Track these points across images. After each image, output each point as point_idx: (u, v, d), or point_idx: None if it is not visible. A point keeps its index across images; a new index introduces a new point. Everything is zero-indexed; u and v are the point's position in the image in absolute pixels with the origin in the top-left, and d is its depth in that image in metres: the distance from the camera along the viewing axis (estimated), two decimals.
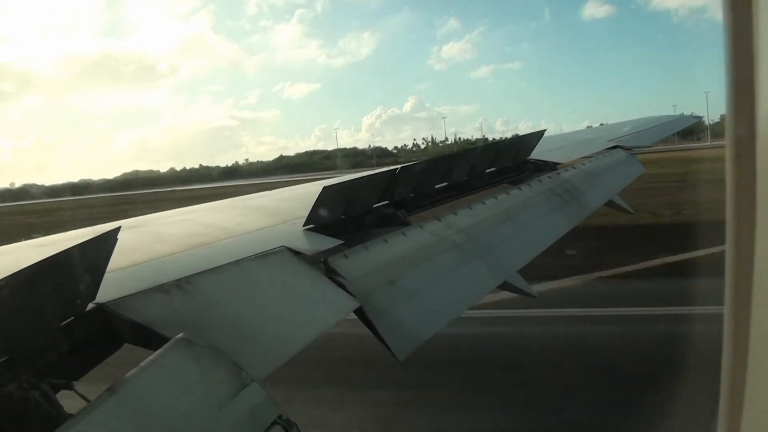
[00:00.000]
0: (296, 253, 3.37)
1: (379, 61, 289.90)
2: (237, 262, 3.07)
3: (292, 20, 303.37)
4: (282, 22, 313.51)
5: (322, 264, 3.32)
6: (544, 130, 7.37)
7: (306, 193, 4.76)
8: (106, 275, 2.40)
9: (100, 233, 2.35)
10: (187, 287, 2.70)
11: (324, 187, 3.74)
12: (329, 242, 3.68)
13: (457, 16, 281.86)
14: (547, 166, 7.11)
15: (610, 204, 7.50)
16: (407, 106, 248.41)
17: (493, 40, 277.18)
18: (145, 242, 3.35)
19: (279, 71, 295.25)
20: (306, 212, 3.78)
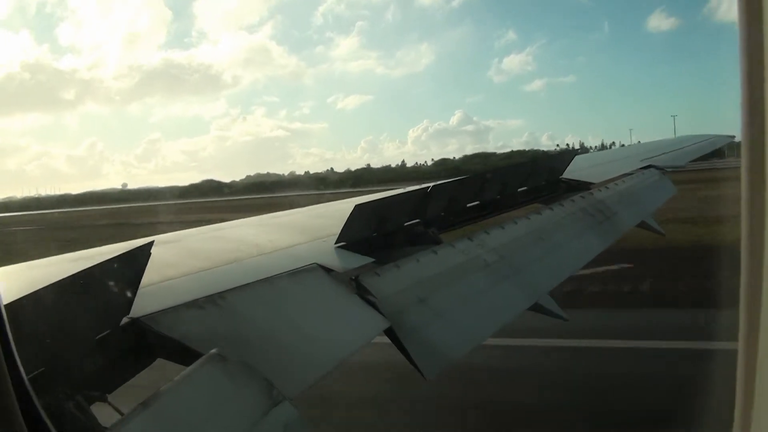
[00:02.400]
0: (328, 271, 3.38)
1: (436, 73, 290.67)
2: (269, 279, 3.09)
3: (353, 32, 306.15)
4: (344, 33, 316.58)
5: (353, 282, 3.32)
6: (577, 150, 7.36)
7: (338, 210, 4.78)
8: (139, 290, 2.43)
9: (133, 248, 2.38)
10: (220, 303, 2.72)
11: (356, 205, 3.75)
12: (361, 260, 3.68)
13: (518, 29, 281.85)
14: (579, 186, 7.06)
15: (642, 225, 7.42)
16: (454, 120, 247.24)
17: (549, 52, 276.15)
18: (178, 257, 3.38)
19: (336, 82, 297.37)
20: (338, 229, 3.80)
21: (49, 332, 2.07)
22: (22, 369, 1.18)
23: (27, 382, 1.19)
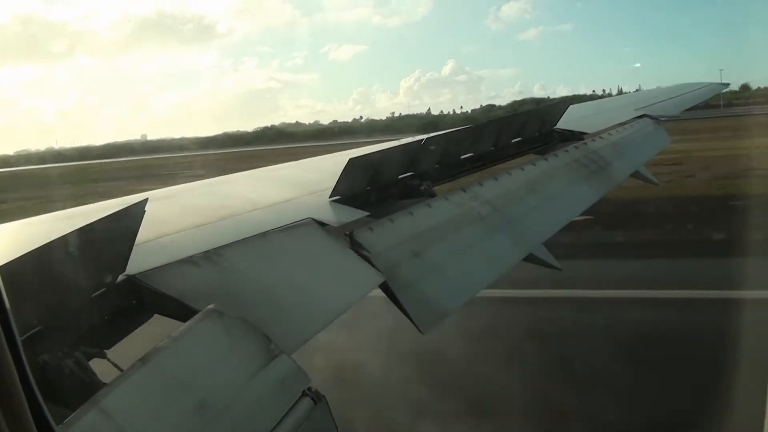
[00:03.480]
0: (322, 225, 3.38)
1: (431, 22, 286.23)
2: (264, 234, 3.09)
3: None
4: None
5: (347, 237, 3.33)
6: (571, 99, 7.31)
7: (332, 163, 4.76)
8: (135, 247, 2.43)
9: (127, 205, 2.38)
10: (215, 259, 2.73)
11: (350, 159, 3.74)
12: (355, 214, 3.69)
13: None
14: (573, 136, 7.04)
15: (636, 175, 7.45)
16: (446, 69, 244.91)
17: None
18: (173, 214, 3.37)
19: (330, 32, 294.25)
20: (332, 183, 3.79)
21: (45, 291, 2.09)
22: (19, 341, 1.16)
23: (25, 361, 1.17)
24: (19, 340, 1.12)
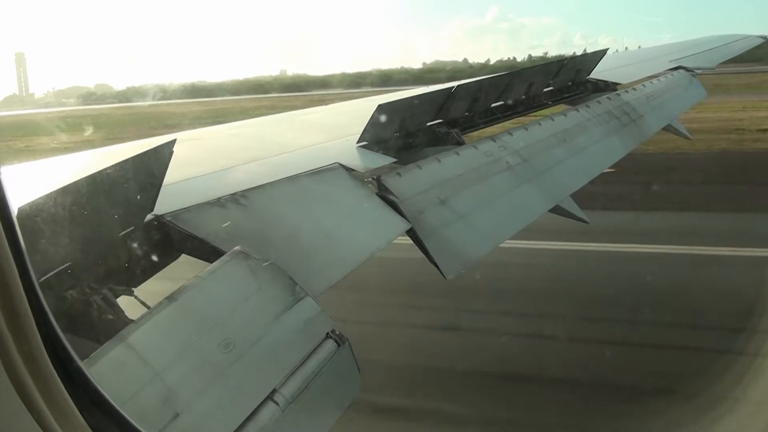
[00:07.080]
0: (349, 170, 3.37)
1: None
2: (292, 178, 3.09)
3: None
4: None
5: (374, 182, 3.31)
6: (606, 50, 7.16)
7: (360, 109, 4.72)
8: (163, 187, 2.44)
9: (156, 145, 2.37)
10: (242, 201, 2.73)
11: (379, 105, 3.70)
12: (382, 160, 3.67)
13: None
14: (607, 87, 6.93)
15: (668, 129, 7.33)
16: (489, 17, 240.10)
17: None
18: (201, 156, 3.38)
19: None
20: (360, 128, 3.76)
21: (73, 228, 2.10)
22: (34, 278, 1.15)
23: (41, 296, 1.17)
24: (35, 278, 1.12)
